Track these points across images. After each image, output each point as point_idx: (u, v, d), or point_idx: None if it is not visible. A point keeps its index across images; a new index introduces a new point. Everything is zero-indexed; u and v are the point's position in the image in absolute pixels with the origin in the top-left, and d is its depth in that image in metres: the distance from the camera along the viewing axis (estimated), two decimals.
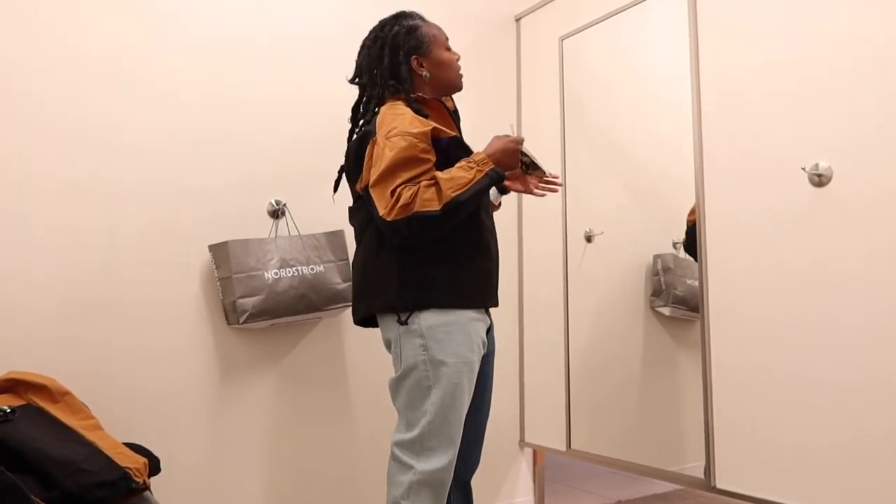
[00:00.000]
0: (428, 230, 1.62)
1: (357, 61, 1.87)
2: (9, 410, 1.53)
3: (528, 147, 1.79)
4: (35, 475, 1.45)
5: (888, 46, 1.70)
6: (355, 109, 1.87)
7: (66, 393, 1.70)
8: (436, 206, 1.59)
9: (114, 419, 1.99)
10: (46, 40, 2.01)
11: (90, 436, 1.56)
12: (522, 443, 2.77)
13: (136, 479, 1.49)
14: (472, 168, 1.65)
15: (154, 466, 1.67)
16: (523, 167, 1.86)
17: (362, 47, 1.86)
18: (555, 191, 1.95)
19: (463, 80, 1.88)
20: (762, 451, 1.93)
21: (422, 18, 1.85)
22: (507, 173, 1.80)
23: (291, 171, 2.36)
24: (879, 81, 1.71)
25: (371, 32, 1.85)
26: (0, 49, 1.95)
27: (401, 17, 1.84)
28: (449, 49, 1.84)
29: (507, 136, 1.73)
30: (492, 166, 1.66)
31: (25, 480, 1.35)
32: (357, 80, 1.87)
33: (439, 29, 1.85)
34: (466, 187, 1.62)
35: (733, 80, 2.06)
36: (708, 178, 2.12)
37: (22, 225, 1.95)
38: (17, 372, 1.72)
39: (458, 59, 1.85)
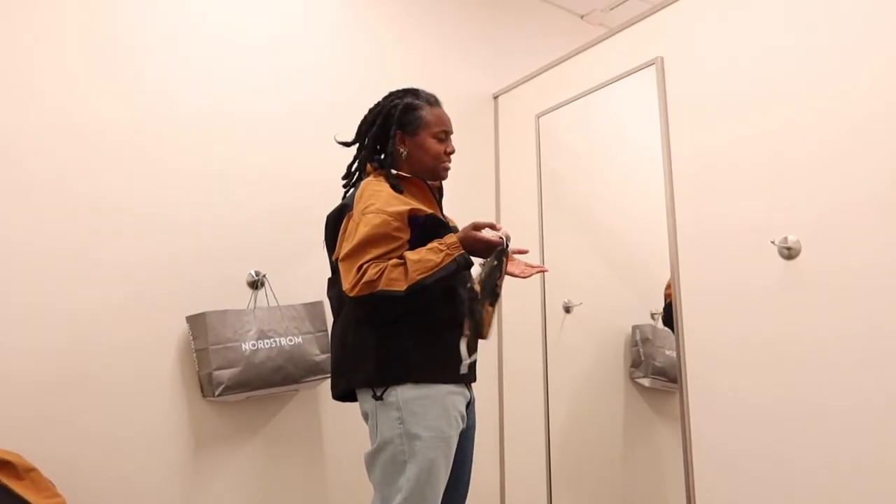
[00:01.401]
0: (389, 308, 1.62)
1: (359, 124, 1.90)
2: None
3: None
4: None
5: (854, 123, 1.77)
6: (348, 170, 1.91)
7: (32, 469, 1.66)
8: (401, 287, 1.59)
9: (83, 496, 1.93)
10: (31, 110, 2.04)
11: None
12: None
13: None
14: (442, 251, 1.64)
15: None
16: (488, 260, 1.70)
17: (367, 112, 1.90)
18: (543, 271, 1.98)
19: (448, 172, 1.86)
20: None
21: (430, 102, 1.85)
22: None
23: (271, 243, 2.38)
24: (846, 156, 1.78)
25: (379, 100, 1.89)
26: None
27: (408, 93, 1.87)
28: (441, 140, 1.83)
29: (484, 223, 1.69)
30: (462, 251, 1.65)
31: None
32: (354, 142, 1.90)
33: (441, 118, 1.84)
34: (432, 271, 1.61)
35: (703, 156, 2.13)
36: (682, 252, 2.16)
37: None
38: None
39: (447, 152, 1.84)
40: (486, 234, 1.69)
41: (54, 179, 2.05)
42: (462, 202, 2.83)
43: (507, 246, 1.67)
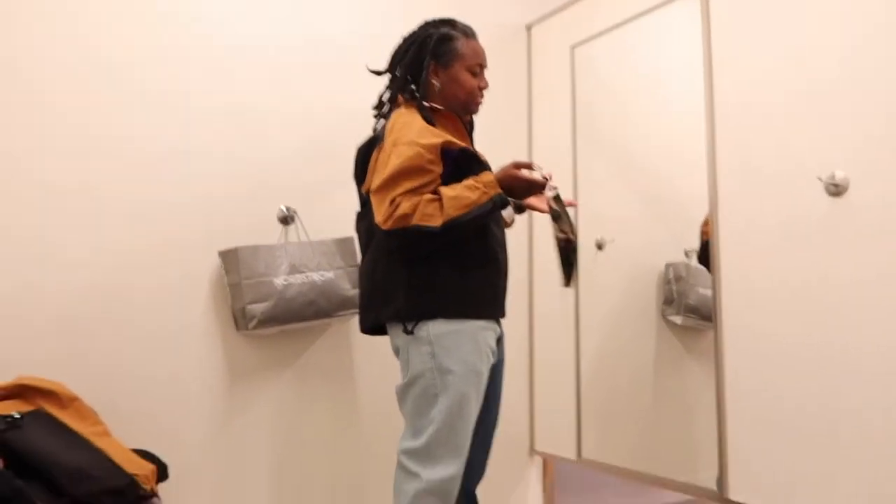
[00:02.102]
0: (423, 244, 1.60)
1: (392, 53, 1.85)
2: (17, 416, 1.53)
3: (560, 193, 1.73)
4: (43, 482, 1.45)
5: None
6: (379, 100, 1.86)
7: (75, 399, 1.71)
8: (436, 223, 1.57)
9: (122, 426, 1.99)
10: (55, 47, 2.02)
11: (98, 442, 1.57)
12: (533, 451, 2.75)
13: (144, 487, 1.49)
14: (478, 190, 1.62)
15: (162, 473, 1.68)
16: (553, 213, 1.75)
17: (401, 41, 1.84)
18: (572, 205, 1.93)
19: (480, 107, 1.83)
20: (777, 464, 1.90)
21: (466, 34, 1.80)
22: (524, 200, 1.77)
23: (302, 178, 2.36)
24: None
25: (414, 29, 1.83)
26: (6, 49, 1.97)
27: (444, 23, 1.81)
28: (476, 74, 1.79)
29: (524, 163, 1.68)
30: (498, 191, 1.63)
31: (33, 487, 1.35)
32: (386, 71, 1.85)
33: (476, 52, 1.80)
34: (469, 208, 1.59)
35: (747, 87, 2.04)
36: (722, 188, 2.09)
37: (33, 232, 1.96)
38: (27, 377, 1.72)
39: (480, 87, 1.80)
40: (526, 173, 1.66)
41: (84, 119, 2.04)
42: (492, 137, 2.76)
43: (552, 187, 1.67)
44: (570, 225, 1.75)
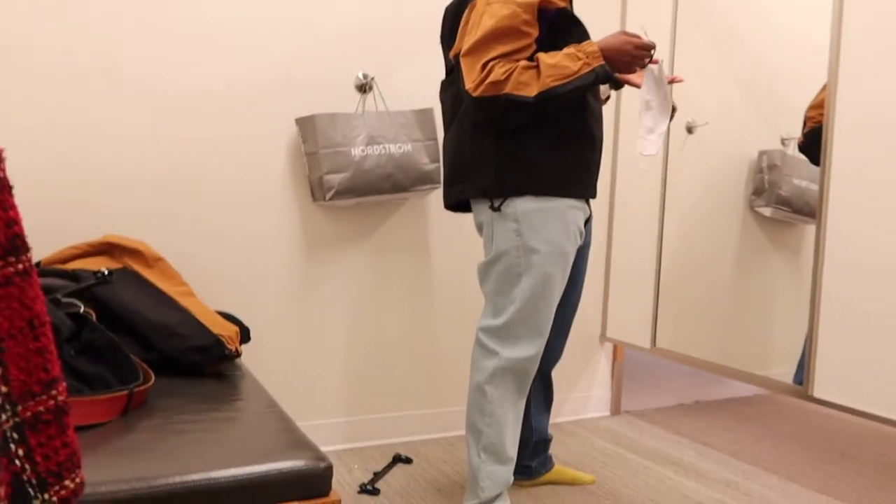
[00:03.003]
0: (515, 115, 1.49)
1: None
2: (107, 273, 1.56)
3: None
4: (132, 336, 1.48)
5: None
6: None
7: (160, 259, 1.72)
8: (531, 92, 1.45)
9: (201, 290, 2.03)
10: None
11: (184, 302, 1.59)
12: (603, 337, 2.72)
13: (229, 347, 1.51)
14: (580, 60, 1.48)
15: (245, 335, 1.70)
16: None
17: None
18: (677, 81, 1.78)
19: None
20: (865, 367, 1.81)
21: None
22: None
23: (380, 44, 2.24)
24: None
25: None
26: None
27: None
28: None
29: (633, 35, 1.53)
30: (601, 62, 1.49)
31: (124, 341, 1.38)
32: None
33: None
34: (568, 79, 1.46)
35: None
36: (844, 63, 1.87)
37: (111, 82, 1.93)
38: (113, 235, 1.74)
39: None
40: (636, 43, 1.52)
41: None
42: (583, 9, 2.55)
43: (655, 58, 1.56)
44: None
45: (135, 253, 1.70)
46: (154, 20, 1.96)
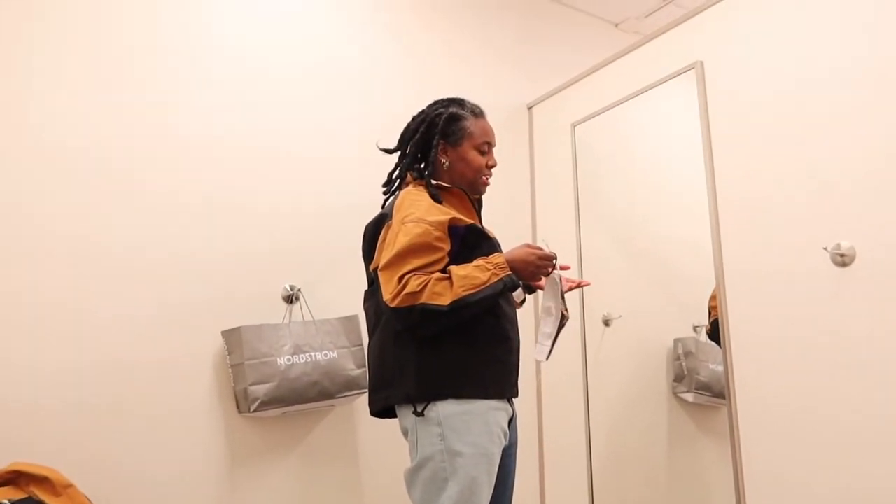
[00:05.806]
0: (431, 323, 1.57)
1: (402, 131, 1.86)
2: None
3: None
4: None
5: None
6: (389, 177, 1.87)
7: (69, 486, 1.64)
8: (445, 301, 1.54)
9: None
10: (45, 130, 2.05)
11: None
12: None
13: None
14: (489, 270, 1.60)
15: None
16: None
17: (410, 119, 1.86)
18: (584, 285, 1.92)
19: (487, 188, 1.83)
20: None
21: (475, 113, 1.82)
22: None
23: (306, 256, 2.36)
24: None
25: (423, 108, 1.85)
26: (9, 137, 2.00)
27: (453, 102, 1.83)
28: (484, 153, 1.80)
29: (536, 247, 1.67)
30: (508, 273, 1.61)
31: None
32: (396, 149, 1.86)
33: (485, 130, 1.80)
34: (478, 288, 1.57)
35: (748, 161, 2.06)
36: (728, 261, 2.08)
37: (30, 315, 1.93)
38: (20, 463, 1.66)
39: (488, 165, 1.81)
40: (539, 254, 1.68)
41: (79, 190, 2.05)
42: (497, 213, 2.78)
43: (558, 268, 1.69)
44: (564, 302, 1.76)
45: (42, 480, 1.62)
46: (77, 247, 2.02)
